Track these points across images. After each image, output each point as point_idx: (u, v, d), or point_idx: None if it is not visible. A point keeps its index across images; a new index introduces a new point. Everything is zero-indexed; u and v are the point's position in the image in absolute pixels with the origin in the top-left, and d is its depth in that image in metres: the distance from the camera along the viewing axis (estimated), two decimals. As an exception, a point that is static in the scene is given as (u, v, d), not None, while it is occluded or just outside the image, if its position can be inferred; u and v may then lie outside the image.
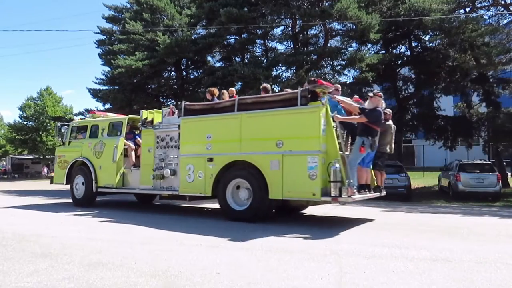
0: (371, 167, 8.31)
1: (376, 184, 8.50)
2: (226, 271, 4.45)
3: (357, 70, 17.19)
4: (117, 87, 20.67)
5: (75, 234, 6.69)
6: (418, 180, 21.70)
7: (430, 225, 8.13)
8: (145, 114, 10.29)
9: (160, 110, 10.23)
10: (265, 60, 17.78)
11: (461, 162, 15.89)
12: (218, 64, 20.18)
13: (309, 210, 10.55)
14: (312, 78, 8.26)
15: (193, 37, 18.68)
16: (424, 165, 27.89)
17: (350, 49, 18.47)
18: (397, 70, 20.51)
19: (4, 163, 42.24)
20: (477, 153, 21.78)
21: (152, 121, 10.02)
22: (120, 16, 23.31)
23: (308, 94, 7.41)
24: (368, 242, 6.04)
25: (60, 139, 12.29)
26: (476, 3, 17.87)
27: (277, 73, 17.17)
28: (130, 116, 11.22)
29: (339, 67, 17.84)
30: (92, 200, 11.06)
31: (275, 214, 8.94)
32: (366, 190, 7.86)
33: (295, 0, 16.39)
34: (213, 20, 16.92)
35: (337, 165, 6.92)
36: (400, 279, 4.18)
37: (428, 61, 18.53)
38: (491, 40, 17.62)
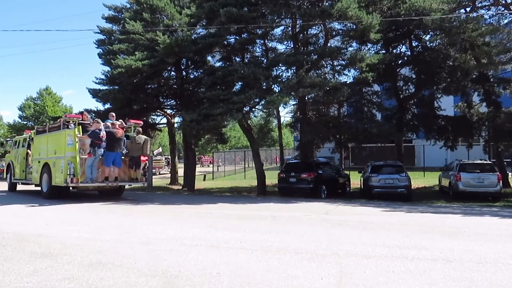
0: (122, 166, 12.54)
1: (131, 177, 13.00)
2: (226, 271, 4.44)
3: (357, 70, 17.15)
4: (117, 87, 20.58)
5: (75, 234, 6.69)
6: (419, 180, 21.72)
7: (431, 225, 8.13)
8: (32, 134, 15.30)
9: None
10: (265, 60, 17.72)
11: (461, 162, 15.86)
12: (218, 64, 20.07)
13: (312, 210, 10.53)
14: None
15: (193, 37, 18.61)
16: (425, 165, 27.89)
17: (350, 49, 18.40)
18: (398, 70, 20.43)
19: (4, 163, 42.13)
20: (478, 153, 21.73)
21: (33, 139, 15.03)
22: (120, 16, 23.21)
23: (65, 122, 12.55)
24: (368, 242, 6.03)
25: (3, 148, 20.11)
26: (476, 3, 17.81)
27: (277, 73, 17.10)
28: (32, 133, 15.79)
29: (339, 67, 17.77)
30: (13, 188, 16.63)
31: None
32: (108, 182, 12.25)
33: (295, 0, 16.35)
34: (213, 20, 16.86)
35: (72, 165, 11.60)
36: (400, 279, 4.18)
37: (429, 61, 18.48)
38: (491, 40, 17.54)
